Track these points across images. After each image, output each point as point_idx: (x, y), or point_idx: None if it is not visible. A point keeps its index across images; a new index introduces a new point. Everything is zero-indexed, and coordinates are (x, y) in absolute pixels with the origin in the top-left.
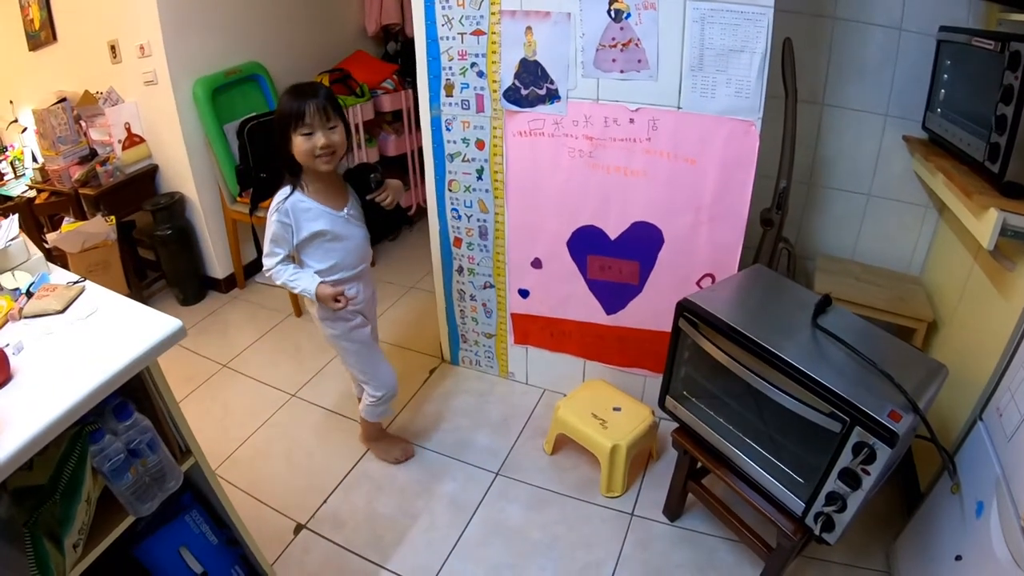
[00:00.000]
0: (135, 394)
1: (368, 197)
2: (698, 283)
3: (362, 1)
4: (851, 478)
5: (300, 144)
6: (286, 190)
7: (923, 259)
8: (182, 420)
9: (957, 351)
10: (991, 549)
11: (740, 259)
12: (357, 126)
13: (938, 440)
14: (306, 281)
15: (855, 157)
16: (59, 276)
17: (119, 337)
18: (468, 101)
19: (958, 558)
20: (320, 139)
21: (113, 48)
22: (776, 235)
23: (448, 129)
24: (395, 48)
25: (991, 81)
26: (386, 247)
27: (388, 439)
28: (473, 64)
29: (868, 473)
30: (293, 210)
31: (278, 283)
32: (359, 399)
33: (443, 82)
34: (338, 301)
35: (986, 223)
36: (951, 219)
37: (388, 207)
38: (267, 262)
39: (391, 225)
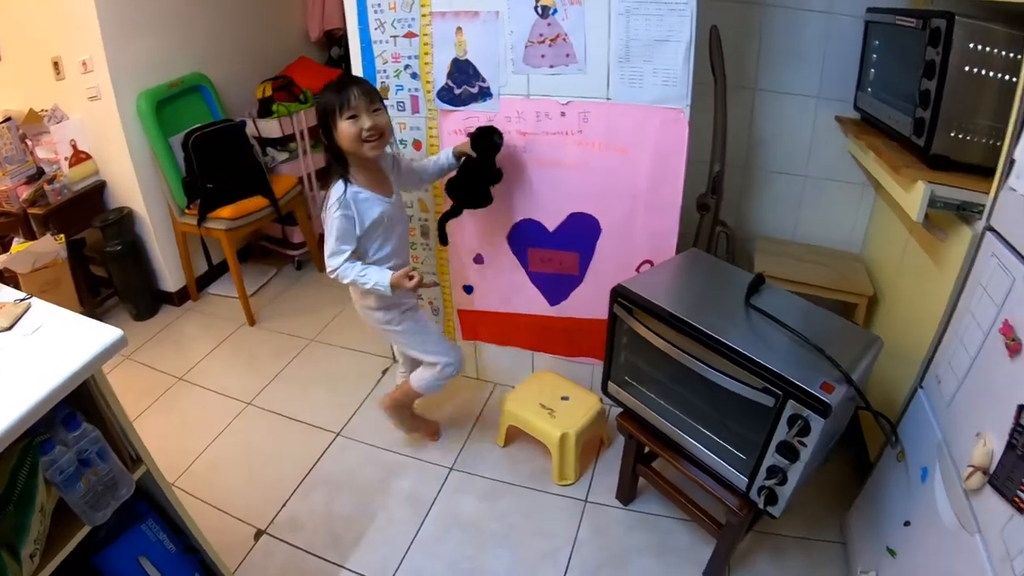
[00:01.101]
0: (84, 405)
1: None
2: (637, 270)
3: (304, 7)
4: (789, 451)
5: (346, 129)
6: (340, 184)
7: (862, 236)
8: (131, 429)
9: (898, 323)
10: (937, 513)
11: (678, 244)
12: (302, 132)
13: (873, 408)
14: (376, 274)
15: (790, 140)
16: (6, 294)
17: (63, 350)
18: (404, 103)
19: (907, 524)
20: (366, 121)
21: (56, 65)
22: (713, 219)
23: None
24: (338, 53)
25: (915, 58)
26: None
27: (415, 416)
28: (407, 66)
29: (804, 445)
30: (354, 201)
31: (345, 282)
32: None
33: (379, 85)
34: (411, 279)
35: (915, 196)
36: (886, 195)
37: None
38: (333, 262)
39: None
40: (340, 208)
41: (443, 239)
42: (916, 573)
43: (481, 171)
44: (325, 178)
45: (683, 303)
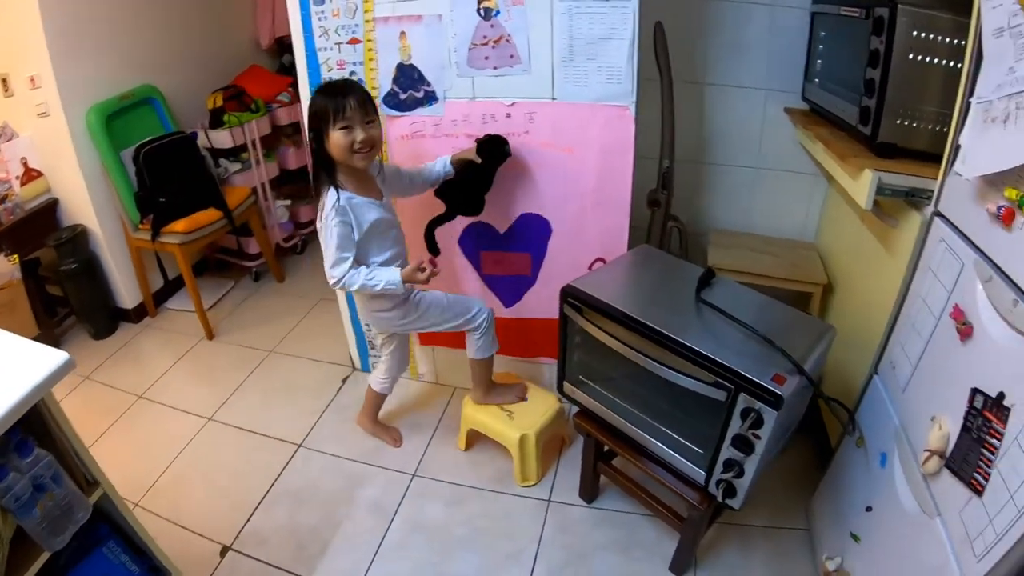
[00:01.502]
0: (37, 430)
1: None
2: (590, 268)
3: (255, 15)
4: (743, 444)
5: (338, 139)
6: (333, 192)
7: (815, 225)
8: (85, 452)
9: (853, 310)
10: (897, 497)
11: (631, 241)
12: (254, 142)
13: (827, 396)
14: (385, 273)
15: (740, 133)
16: None
17: (10, 376)
18: None
19: (868, 509)
20: (359, 134)
21: (4, 82)
22: (664, 215)
23: None
24: (290, 60)
25: (860, 48)
26: (294, 260)
27: (500, 386)
28: (352, 72)
29: (759, 437)
30: (349, 207)
31: (352, 289)
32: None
33: None
34: (423, 270)
35: (863, 184)
36: (837, 185)
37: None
38: (336, 271)
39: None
40: (337, 215)
41: (433, 248)
42: (880, 557)
43: (482, 179)
44: (279, 189)
45: (633, 300)
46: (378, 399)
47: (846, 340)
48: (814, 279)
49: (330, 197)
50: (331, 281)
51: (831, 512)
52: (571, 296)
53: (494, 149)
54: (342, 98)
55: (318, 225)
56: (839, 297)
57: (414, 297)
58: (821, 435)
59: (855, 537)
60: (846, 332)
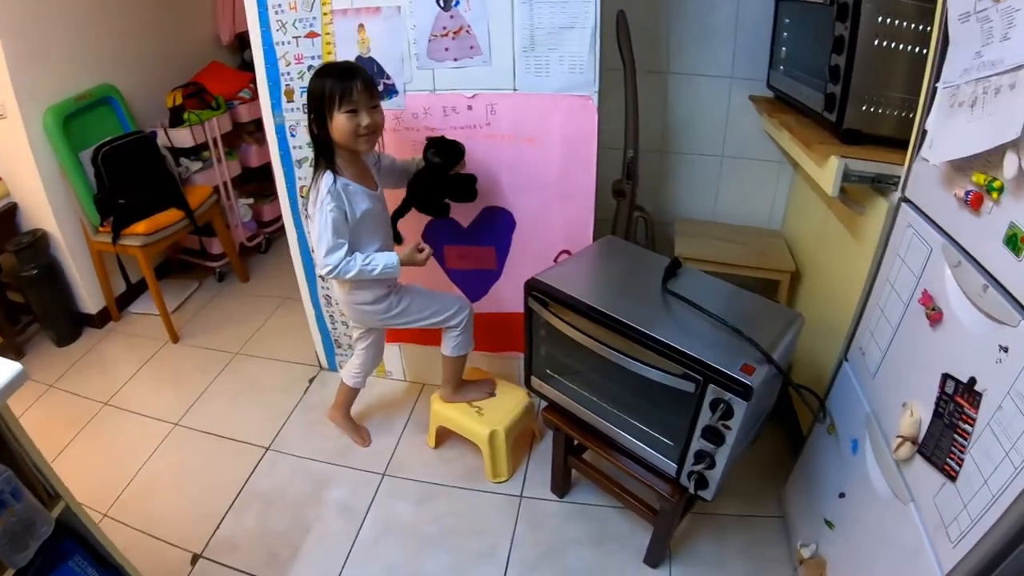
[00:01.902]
0: None
1: (453, 172)
2: (555, 260)
3: (214, 10)
4: (714, 435)
5: (342, 123)
6: (329, 176)
7: (782, 213)
8: (45, 465)
9: (821, 297)
10: (870, 484)
11: (597, 232)
12: (215, 140)
13: (796, 385)
14: (383, 257)
15: (705, 121)
16: None
17: None
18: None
19: (842, 495)
20: (365, 118)
21: None
22: (630, 205)
23: (293, 135)
24: (252, 56)
25: (825, 34)
26: (258, 259)
27: (469, 383)
28: (310, 67)
29: (729, 428)
30: (344, 192)
31: (348, 277)
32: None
33: (283, 88)
34: (421, 250)
35: (829, 171)
36: (803, 172)
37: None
38: (332, 259)
39: (465, 194)
40: (332, 201)
41: (396, 238)
42: (854, 543)
43: (435, 177)
44: (242, 187)
45: (598, 292)
46: (351, 393)
47: (815, 327)
48: (781, 267)
49: (326, 181)
50: (324, 269)
51: (804, 499)
52: (536, 290)
53: (443, 150)
54: (348, 81)
55: (310, 211)
56: (807, 284)
57: (397, 291)
58: (792, 422)
59: (829, 524)
60: (815, 319)
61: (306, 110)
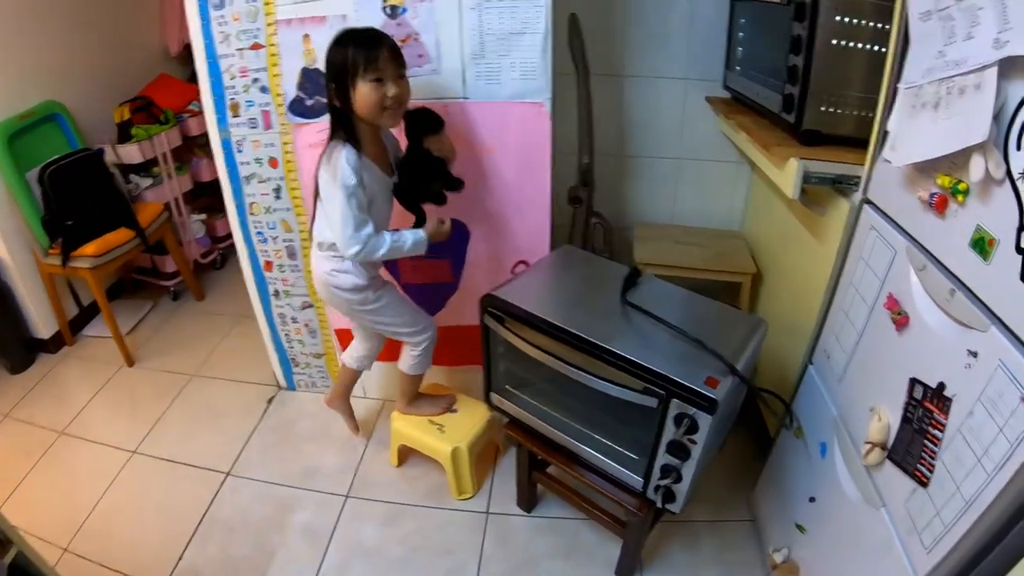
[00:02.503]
0: None
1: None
2: (512, 270)
3: (162, 21)
4: (679, 449)
5: (367, 93)
6: (351, 150)
7: (741, 213)
8: None
9: (784, 299)
10: (840, 488)
11: (555, 240)
12: (165, 155)
13: (762, 393)
14: (409, 234)
15: (662, 123)
16: None
17: None
18: (255, 119)
19: (812, 500)
20: (392, 88)
21: None
22: (587, 211)
23: (239, 151)
24: None
25: (782, 34)
26: (213, 276)
27: (427, 396)
28: (255, 80)
29: (695, 442)
30: (364, 168)
31: (376, 257)
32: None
33: (228, 102)
34: (443, 222)
35: (788, 174)
36: (762, 173)
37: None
38: (361, 235)
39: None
40: (353, 174)
41: (420, 218)
42: (827, 548)
43: (413, 155)
44: (194, 202)
45: (556, 306)
46: (353, 376)
47: (780, 329)
48: (742, 269)
49: (347, 155)
50: (351, 249)
51: (774, 503)
52: (491, 306)
53: (422, 125)
54: (375, 48)
55: (323, 192)
56: (769, 286)
57: (376, 288)
58: (759, 424)
59: (800, 528)
60: (779, 321)
61: (324, 80)
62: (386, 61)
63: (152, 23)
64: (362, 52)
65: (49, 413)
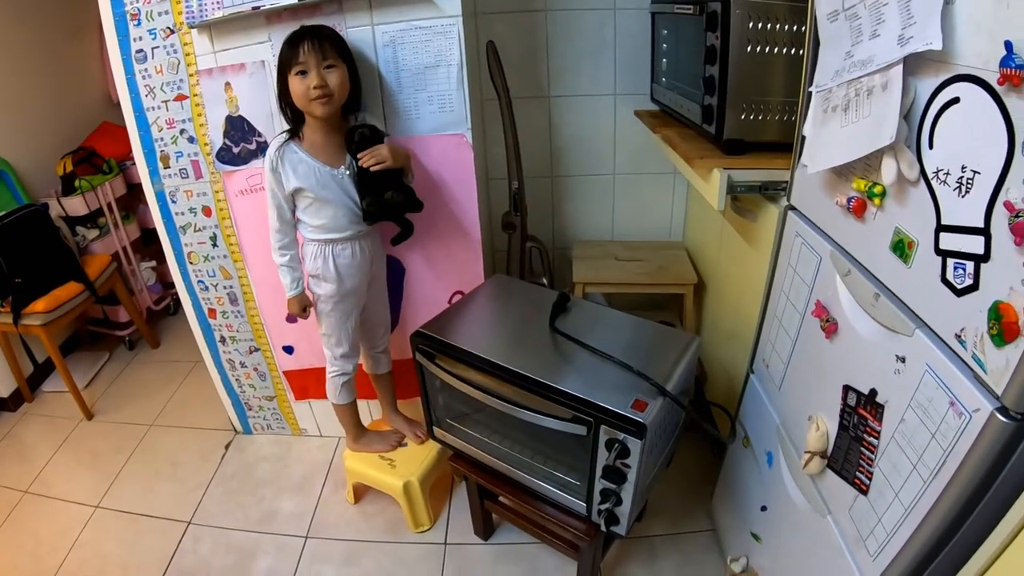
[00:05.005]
0: None
1: (355, 156)
2: (449, 301)
3: (104, 68)
4: (615, 474)
5: (295, 86)
6: (281, 136)
7: (682, 223)
8: None
9: (727, 307)
10: (788, 497)
11: (494, 267)
12: (110, 205)
13: (685, 404)
14: (287, 279)
15: (593, 140)
16: None
17: None
18: (186, 169)
19: (763, 508)
20: (313, 79)
21: None
22: (522, 236)
23: (173, 201)
24: None
25: (698, 44)
26: (168, 322)
27: (375, 432)
28: (182, 130)
29: (628, 466)
30: (282, 156)
31: (273, 255)
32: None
33: (158, 154)
34: (305, 309)
35: (712, 185)
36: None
37: (371, 168)
38: (272, 240)
39: (391, 204)
40: (267, 162)
41: (406, 229)
42: (782, 556)
43: (362, 185)
44: (144, 249)
45: (484, 339)
46: (348, 412)
47: (725, 338)
48: (684, 279)
49: (275, 141)
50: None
51: (731, 513)
52: (421, 342)
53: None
54: (298, 43)
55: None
56: (712, 294)
57: (340, 293)
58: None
59: (756, 537)
60: (723, 329)
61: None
62: (307, 53)
63: (94, 70)
64: (287, 47)
65: (12, 473)
